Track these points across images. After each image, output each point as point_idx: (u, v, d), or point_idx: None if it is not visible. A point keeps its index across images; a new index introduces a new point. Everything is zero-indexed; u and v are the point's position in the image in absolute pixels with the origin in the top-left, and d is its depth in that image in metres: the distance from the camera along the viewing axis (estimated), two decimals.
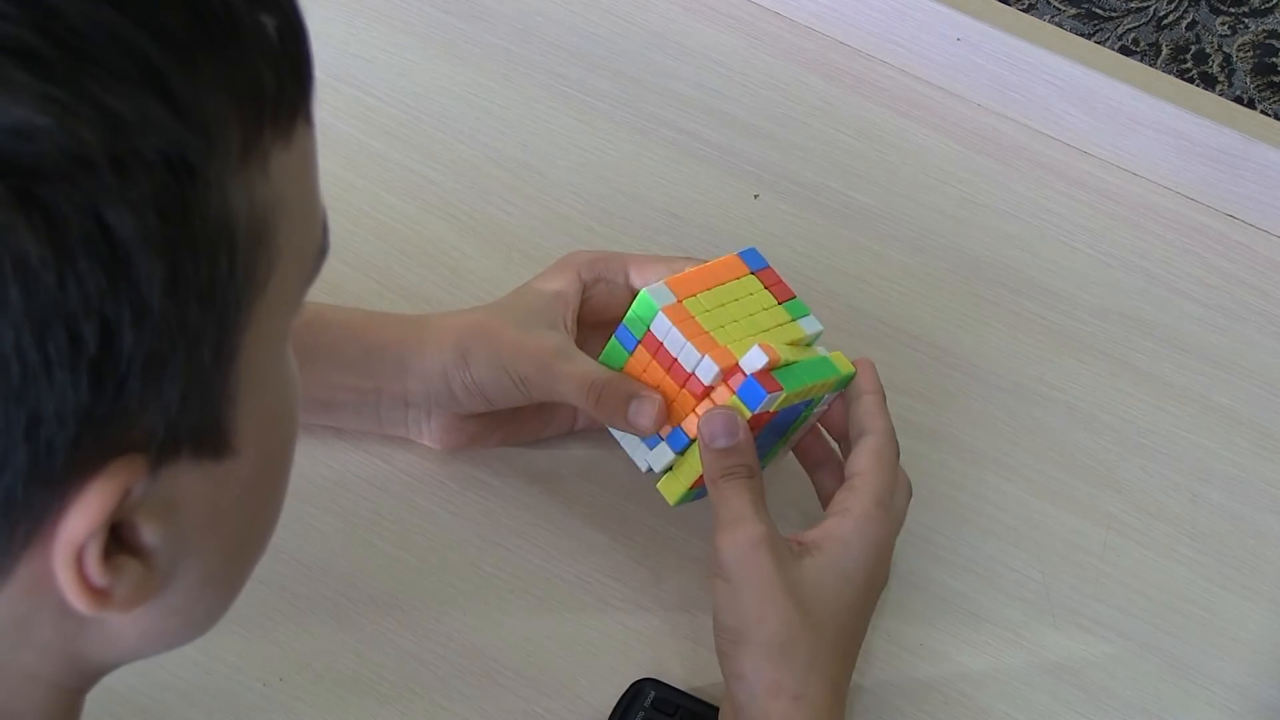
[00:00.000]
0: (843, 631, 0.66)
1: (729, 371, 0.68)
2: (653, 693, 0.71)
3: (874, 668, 0.74)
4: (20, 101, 0.36)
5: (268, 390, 0.46)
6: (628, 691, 0.72)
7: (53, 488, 0.40)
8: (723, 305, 0.70)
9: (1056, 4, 1.73)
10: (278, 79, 0.42)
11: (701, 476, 0.68)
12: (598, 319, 0.74)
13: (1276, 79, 1.68)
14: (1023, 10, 1.10)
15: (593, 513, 0.77)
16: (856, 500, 0.68)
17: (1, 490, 0.39)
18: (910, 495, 0.72)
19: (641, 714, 0.71)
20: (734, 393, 0.68)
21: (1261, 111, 1.31)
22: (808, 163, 0.91)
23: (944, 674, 0.75)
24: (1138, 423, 0.83)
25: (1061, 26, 1.24)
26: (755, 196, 0.89)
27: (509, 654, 0.73)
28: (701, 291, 0.70)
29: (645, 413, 0.69)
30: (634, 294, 0.71)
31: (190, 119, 0.39)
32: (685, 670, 0.73)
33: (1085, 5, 1.73)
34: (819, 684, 0.64)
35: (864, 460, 0.69)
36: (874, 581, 0.68)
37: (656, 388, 0.69)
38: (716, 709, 0.71)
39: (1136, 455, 0.82)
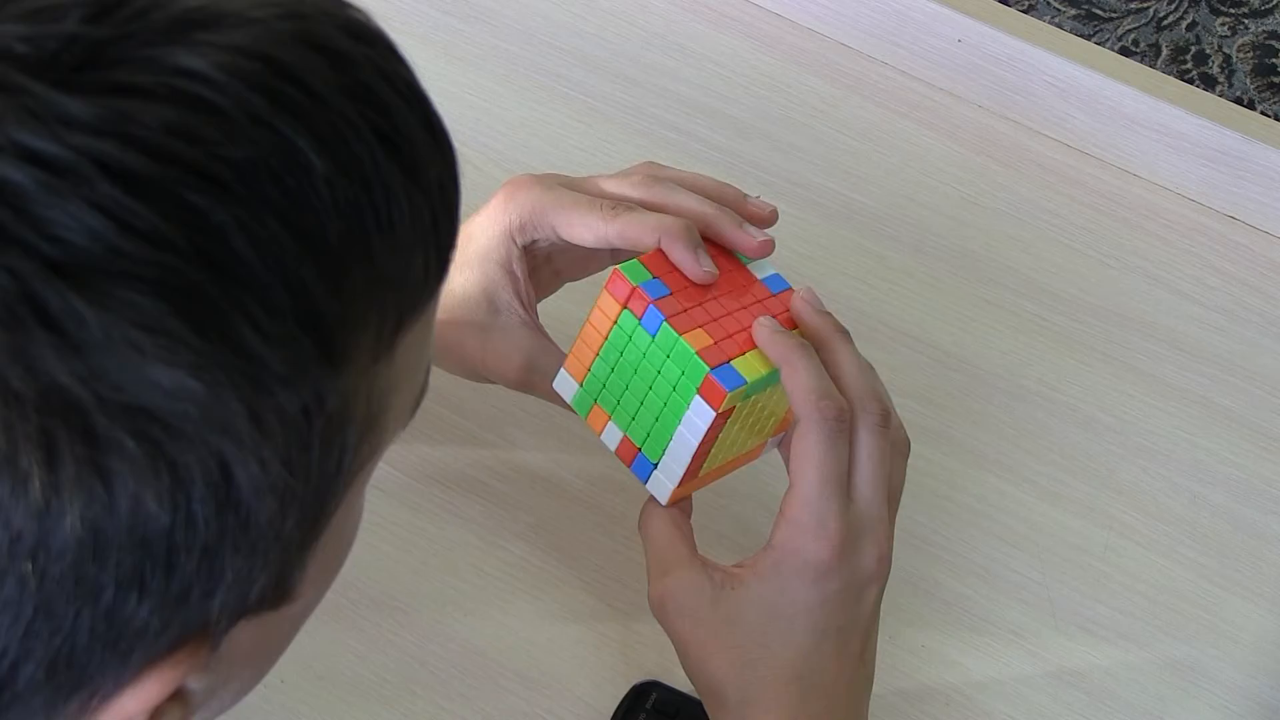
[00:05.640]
0: (789, 662, 0.61)
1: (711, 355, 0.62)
2: (654, 695, 0.71)
3: (875, 670, 0.74)
4: (175, 361, 0.34)
5: (339, 538, 0.45)
6: (629, 694, 0.72)
7: (119, 677, 0.39)
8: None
9: (1056, 5, 1.73)
10: (425, 266, 0.41)
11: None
12: (567, 263, 0.71)
13: (1276, 80, 1.68)
14: (1023, 11, 1.10)
15: (594, 514, 0.77)
16: (780, 531, 0.61)
17: (71, 680, 0.38)
18: (908, 453, 0.65)
19: (643, 716, 0.71)
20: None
21: (1261, 112, 1.31)
22: (808, 164, 0.91)
23: (945, 676, 0.75)
24: (1138, 424, 0.83)
25: (1061, 28, 1.24)
26: (756, 197, 0.89)
27: (510, 656, 0.73)
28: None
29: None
30: (569, 244, 0.67)
31: (334, 352, 0.38)
32: None
33: (1085, 6, 1.73)
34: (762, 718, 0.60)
35: (795, 449, 0.61)
36: (826, 599, 0.61)
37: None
38: None
39: (1137, 457, 0.82)
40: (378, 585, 0.74)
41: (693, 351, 0.62)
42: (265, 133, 0.36)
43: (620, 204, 0.67)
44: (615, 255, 0.71)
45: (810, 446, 0.60)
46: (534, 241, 0.68)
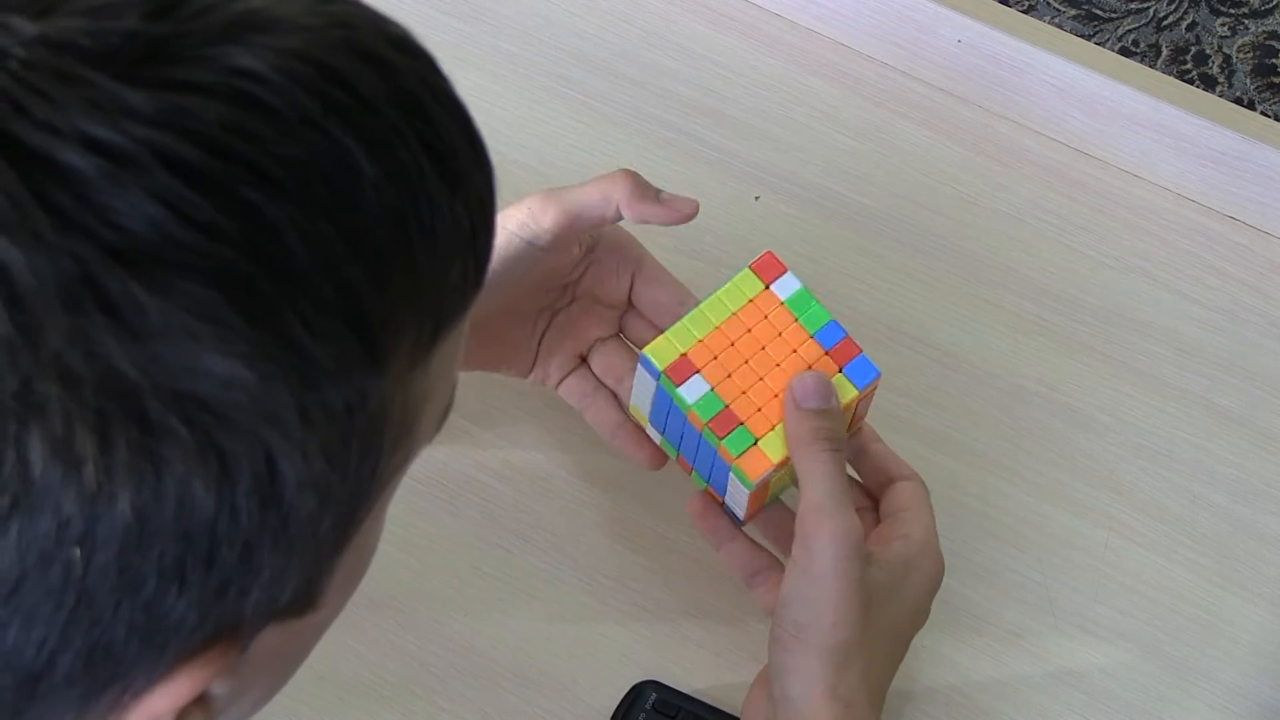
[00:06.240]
0: (889, 647, 0.65)
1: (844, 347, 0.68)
2: (654, 695, 0.71)
3: None
4: (230, 351, 0.35)
5: (364, 548, 0.46)
6: (629, 694, 0.72)
7: (152, 672, 0.39)
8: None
9: (1056, 5, 1.73)
10: (463, 276, 0.42)
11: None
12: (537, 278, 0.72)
13: (1277, 80, 1.68)
14: (1023, 12, 1.10)
15: (594, 515, 0.77)
16: (915, 528, 0.67)
17: (106, 673, 0.38)
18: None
19: (643, 716, 0.71)
20: (839, 369, 0.68)
21: (1261, 113, 1.31)
22: (808, 164, 0.91)
23: (945, 676, 0.75)
24: (1138, 424, 0.83)
25: (1061, 28, 1.24)
26: (756, 198, 0.89)
27: (510, 656, 0.73)
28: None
29: (680, 201, 0.69)
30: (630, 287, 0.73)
31: (377, 352, 0.38)
32: (686, 673, 0.73)
33: (1085, 6, 1.73)
34: (867, 694, 0.63)
35: (906, 498, 0.68)
36: (920, 609, 0.67)
37: (762, 344, 0.68)
38: (718, 711, 0.71)
39: (1137, 457, 0.82)
40: (378, 585, 0.74)
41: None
42: (317, 135, 0.37)
43: None
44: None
45: (920, 488, 0.69)
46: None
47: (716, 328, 0.68)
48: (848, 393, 0.67)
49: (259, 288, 0.35)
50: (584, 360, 0.75)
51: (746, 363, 0.67)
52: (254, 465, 0.36)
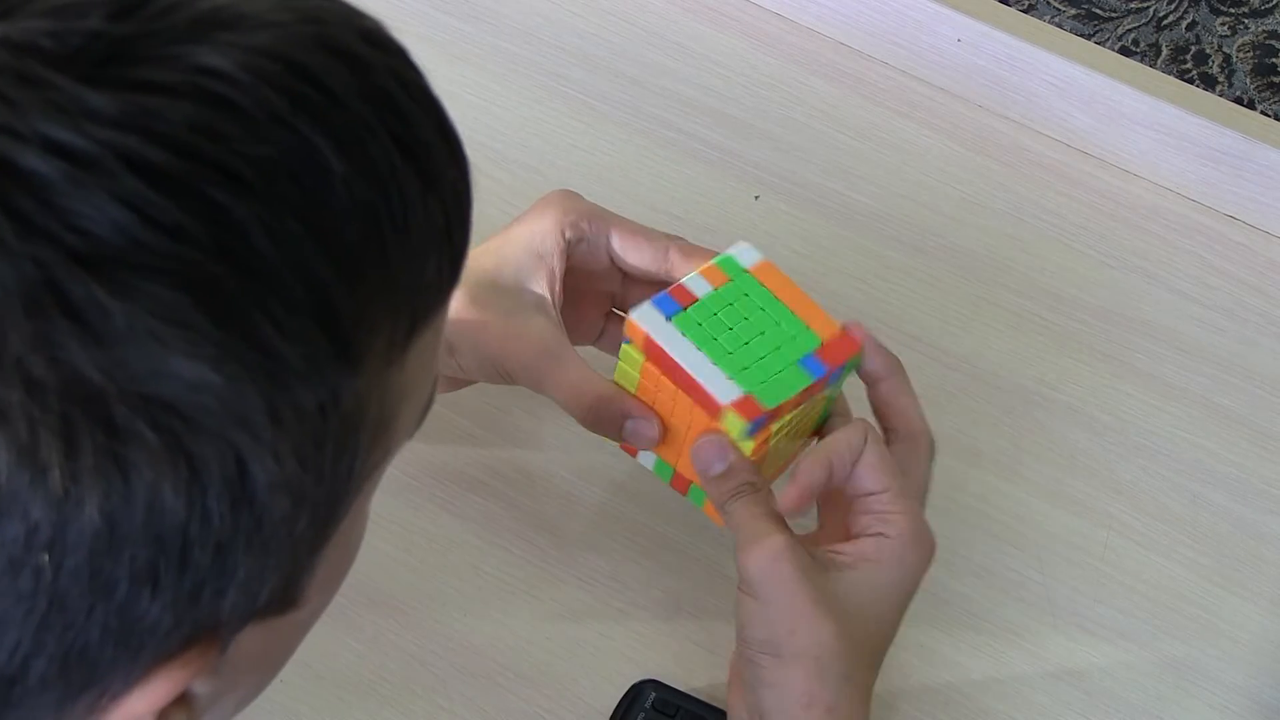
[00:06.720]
0: (875, 645, 0.64)
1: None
2: (653, 694, 0.71)
3: None
4: (196, 354, 0.34)
5: (346, 545, 0.45)
6: (628, 693, 0.72)
7: (129, 675, 0.39)
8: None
9: (1056, 5, 1.73)
10: (438, 271, 0.42)
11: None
12: (575, 279, 0.71)
13: (1276, 79, 1.68)
14: (1023, 11, 1.10)
15: (592, 514, 0.77)
16: (896, 524, 0.64)
17: (82, 677, 0.38)
18: (933, 457, 0.68)
19: (642, 715, 0.71)
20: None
21: (1261, 112, 1.31)
22: (808, 164, 0.91)
23: (944, 675, 0.75)
24: (1138, 424, 0.83)
25: (1061, 27, 1.24)
26: (756, 197, 0.89)
27: (509, 655, 0.73)
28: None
29: (641, 433, 0.66)
30: (614, 260, 0.70)
31: (350, 351, 0.38)
32: (686, 671, 0.73)
33: (1085, 6, 1.73)
34: (853, 697, 0.62)
35: (905, 456, 0.65)
36: (906, 601, 0.65)
37: (671, 406, 0.66)
38: (717, 711, 0.71)
39: (1137, 456, 0.82)
40: (377, 585, 0.74)
41: None
42: (285, 133, 0.37)
43: (675, 238, 0.71)
44: (613, 299, 0.75)
45: (923, 458, 0.66)
46: (579, 242, 0.70)
47: (635, 397, 0.67)
48: (746, 444, 0.64)
49: (226, 289, 0.35)
50: (609, 317, 0.75)
51: (669, 429, 0.67)
52: (224, 468, 0.36)
